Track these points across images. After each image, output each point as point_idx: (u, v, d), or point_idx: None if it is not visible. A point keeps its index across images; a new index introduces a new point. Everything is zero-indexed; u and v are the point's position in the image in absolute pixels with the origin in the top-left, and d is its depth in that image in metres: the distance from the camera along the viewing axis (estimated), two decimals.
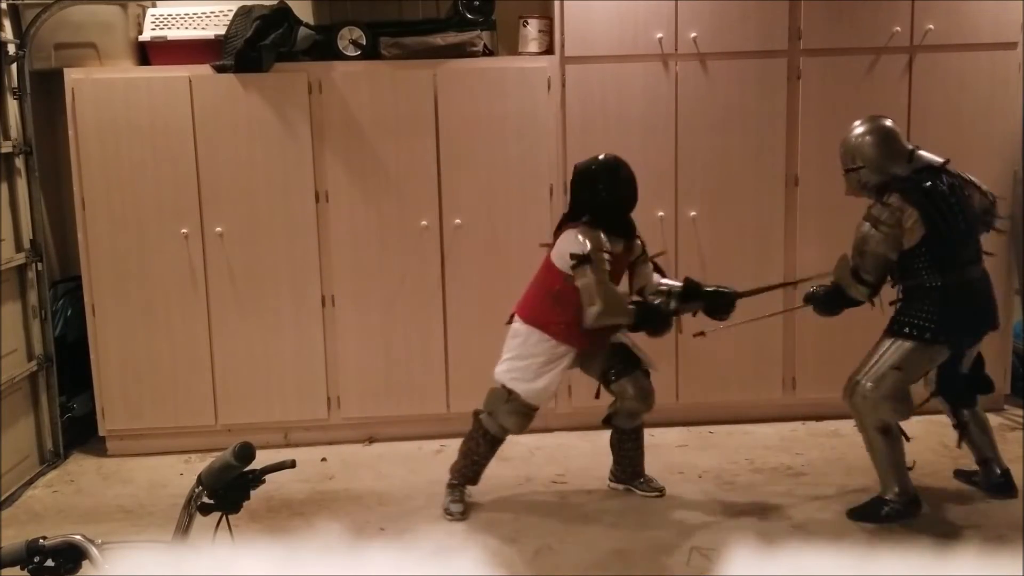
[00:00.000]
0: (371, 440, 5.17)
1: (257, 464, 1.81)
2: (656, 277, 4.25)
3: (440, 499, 4.28)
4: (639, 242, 4.22)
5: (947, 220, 3.96)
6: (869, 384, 4.02)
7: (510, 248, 4.97)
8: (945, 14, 5.03)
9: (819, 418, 5.24)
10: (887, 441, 4.05)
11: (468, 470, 4.26)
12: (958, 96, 5.11)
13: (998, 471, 4.28)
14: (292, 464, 1.98)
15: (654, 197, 5.08)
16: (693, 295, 4.15)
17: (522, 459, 4.85)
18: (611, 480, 4.47)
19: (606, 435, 5.13)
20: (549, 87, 4.99)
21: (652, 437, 5.11)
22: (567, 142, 5.02)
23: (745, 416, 5.24)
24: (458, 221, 5.01)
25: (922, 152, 4.08)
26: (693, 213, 5.10)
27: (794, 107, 5.06)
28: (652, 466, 4.74)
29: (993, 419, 5.20)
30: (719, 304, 4.17)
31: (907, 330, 4.00)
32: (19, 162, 4.87)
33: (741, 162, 5.08)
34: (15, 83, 4.82)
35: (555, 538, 4.00)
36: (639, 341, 4.28)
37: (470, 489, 4.31)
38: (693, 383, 5.21)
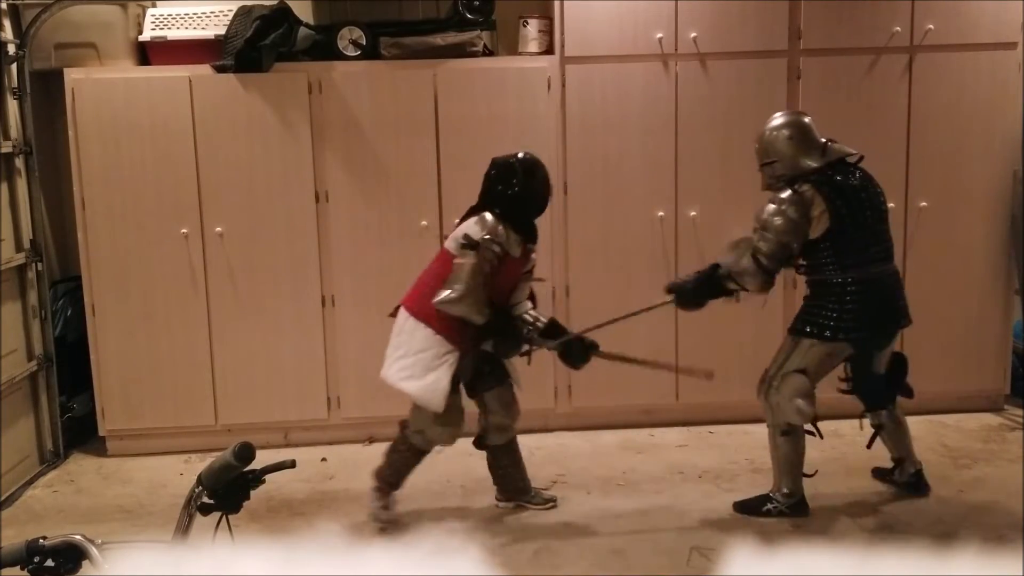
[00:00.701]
0: (371, 440, 5.16)
1: (257, 464, 1.81)
2: (527, 304, 4.14)
3: (441, 499, 4.28)
4: (534, 257, 4.10)
5: (854, 214, 3.96)
6: (775, 384, 4.07)
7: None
8: (945, 14, 5.03)
9: (818, 418, 5.22)
10: (788, 442, 4.11)
11: (392, 477, 4.14)
12: (958, 96, 5.11)
13: (911, 470, 4.33)
14: (292, 464, 1.98)
15: (654, 197, 5.09)
16: (551, 335, 4.08)
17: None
18: (498, 500, 4.30)
19: (606, 435, 5.15)
20: (549, 87, 4.99)
21: (652, 437, 5.13)
22: (567, 142, 5.02)
23: (745, 416, 5.23)
24: (457, 221, 5.00)
25: (836, 145, 4.06)
26: (693, 213, 5.10)
27: (794, 107, 5.04)
28: (652, 466, 4.74)
29: (993, 419, 5.22)
30: (573, 352, 4.07)
31: (808, 328, 4.03)
32: (19, 162, 4.87)
33: (741, 162, 5.07)
34: (15, 83, 4.82)
35: (555, 538, 4.00)
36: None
37: (468, 492, 4.31)
38: (693, 383, 5.19)
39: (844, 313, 3.97)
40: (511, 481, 4.27)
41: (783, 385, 4.05)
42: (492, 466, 4.26)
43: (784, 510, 4.12)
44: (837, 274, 3.98)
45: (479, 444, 4.22)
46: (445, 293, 3.82)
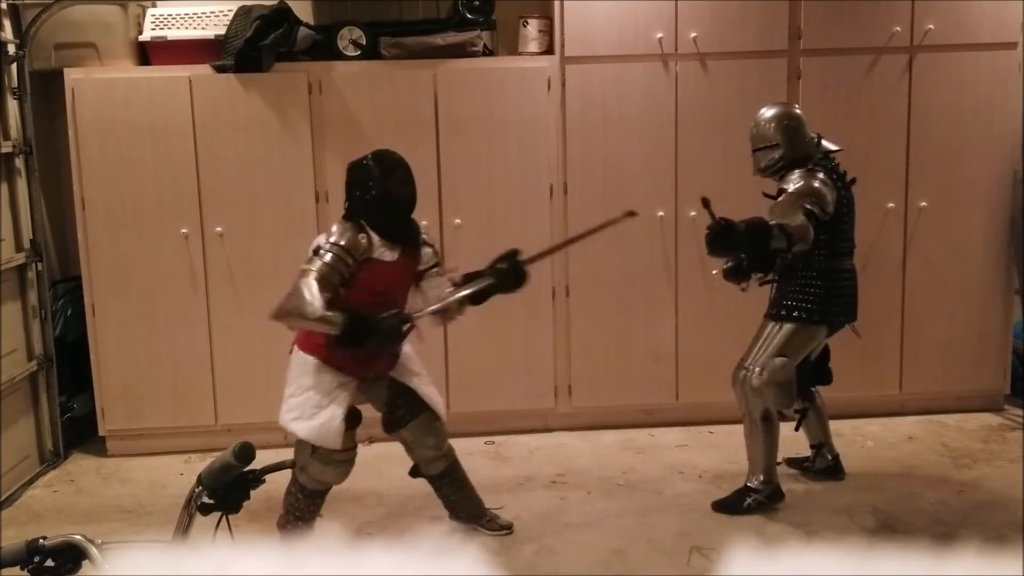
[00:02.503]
0: (371, 440, 5.15)
1: (257, 464, 1.81)
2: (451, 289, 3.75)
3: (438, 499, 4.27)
4: (430, 250, 3.80)
5: (849, 205, 4.14)
6: (756, 370, 4.12)
7: (510, 247, 4.95)
8: (945, 14, 5.03)
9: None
10: (766, 428, 4.17)
11: (296, 528, 3.83)
12: (958, 96, 5.11)
13: (829, 457, 4.47)
14: (292, 464, 1.98)
15: (654, 197, 5.09)
16: (477, 276, 3.68)
17: (522, 459, 4.85)
18: (451, 519, 4.09)
19: (606, 435, 5.15)
20: (549, 87, 4.99)
21: (652, 437, 5.12)
22: (567, 142, 5.02)
23: None
24: (458, 221, 5.01)
25: (824, 139, 4.20)
26: (693, 213, 5.10)
27: None
28: (652, 466, 4.74)
29: (993, 419, 5.22)
30: (506, 276, 3.69)
31: (795, 313, 4.11)
32: (19, 162, 4.88)
33: (740, 162, 5.07)
34: (15, 83, 4.82)
35: (555, 538, 4.00)
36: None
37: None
38: (693, 383, 5.21)
39: (830, 296, 4.11)
40: (460, 508, 4.03)
41: (767, 370, 4.11)
42: (437, 493, 4.01)
43: (763, 500, 4.16)
44: (826, 259, 4.10)
45: (414, 474, 3.96)
46: (279, 305, 3.52)
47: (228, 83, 4.88)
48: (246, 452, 1.75)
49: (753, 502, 4.16)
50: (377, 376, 3.76)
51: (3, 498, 4.53)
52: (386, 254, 3.64)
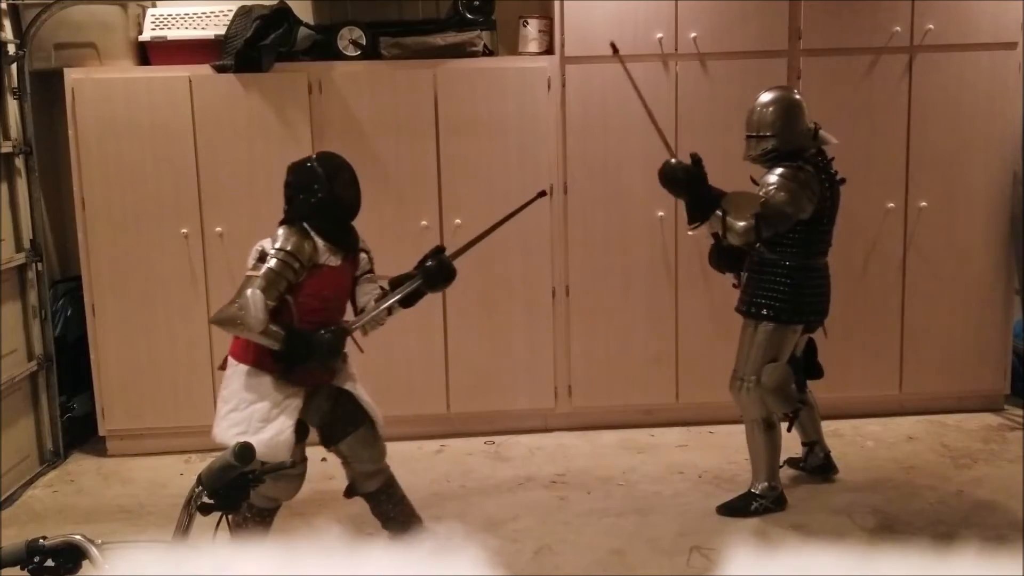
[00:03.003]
0: None
1: (257, 464, 1.81)
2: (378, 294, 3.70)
3: (441, 499, 4.28)
4: (365, 256, 3.72)
5: (832, 205, 4.10)
6: (752, 379, 4.11)
7: (510, 248, 4.96)
8: (945, 14, 5.03)
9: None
10: (768, 433, 4.17)
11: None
12: (958, 96, 5.11)
13: (821, 454, 4.48)
14: (292, 464, 1.98)
15: (654, 197, 5.08)
16: (405, 279, 3.62)
17: (522, 459, 4.85)
18: (389, 533, 3.85)
19: (606, 435, 5.15)
20: (549, 87, 4.99)
21: (652, 437, 5.12)
22: (567, 142, 5.02)
23: None
24: (458, 221, 5.01)
25: (822, 131, 4.14)
26: None
27: None
28: (652, 466, 4.74)
29: (993, 419, 5.22)
30: (434, 275, 3.60)
31: (765, 312, 4.09)
32: (19, 162, 4.87)
33: (741, 162, 5.07)
34: (15, 83, 4.82)
35: (555, 538, 4.00)
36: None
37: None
38: (693, 383, 5.21)
39: (801, 295, 4.08)
40: (399, 525, 3.76)
41: (762, 376, 4.10)
42: (374, 513, 3.77)
43: (769, 506, 4.16)
44: (799, 258, 4.07)
45: (349, 494, 3.75)
46: (223, 309, 3.40)
47: (228, 83, 4.88)
48: (246, 452, 1.75)
49: (759, 507, 4.16)
50: (316, 385, 3.59)
51: (3, 498, 4.52)
52: (331, 259, 3.54)
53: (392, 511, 3.76)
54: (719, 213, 4.01)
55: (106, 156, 4.88)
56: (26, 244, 4.91)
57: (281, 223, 3.57)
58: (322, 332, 3.45)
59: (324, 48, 4.95)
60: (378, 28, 4.99)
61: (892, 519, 4.11)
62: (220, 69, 4.88)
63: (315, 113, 4.93)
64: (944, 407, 5.28)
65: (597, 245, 5.12)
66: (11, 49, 4.77)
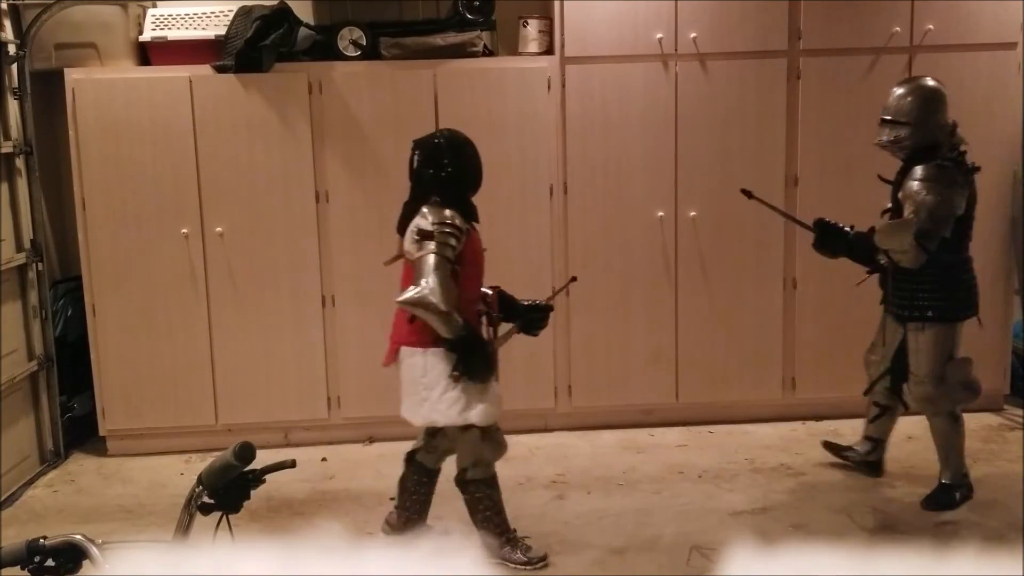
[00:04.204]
0: (371, 440, 5.17)
1: (257, 464, 1.81)
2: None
3: (441, 499, 4.27)
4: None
5: (972, 202, 4.09)
6: (932, 383, 4.10)
7: (510, 248, 4.96)
8: (945, 14, 5.03)
9: (819, 418, 5.24)
10: (955, 425, 4.17)
11: (499, 526, 3.73)
12: (958, 96, 5.07)
13: (880, 455, 4.50)
14: (292, 464, 1.98)
15: (654, 197, 5.09)
16: (510, 311, 3.77)
17: (522, 459, 4.85)
18: (388, 522, 4.05)
19: (606, 435, 5.15)
20: (549, 87, 4.99)
21: (652, 437, 5.13)
22: (567, 142, 5.02)
23: (745, 416, 5.24)
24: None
25: (958, 129, 4.14)
26: (693, 213, 5.10)
27: (794, 107, 5.06)
28: (652, 466, 4.74)
29: (993, 419, 5.22)
30: (535, 319, 3.80)
31: (931, 313, 4.07)
32: (19, 162, 4.88)
33: (741, 162, 5.08)
34: (15, 83, 4.82)
35: (555, 538, 4.00)
36: None
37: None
38: (693, 383, 5.21)
39: (959, 291, 4.10)
40: (415, 505, 3.92)
41: (944, 377, 4.09)
42: (405, 480, 3.91)
43: (966, 493, 4.18)
44: (951, 254, 4.05)
45: (410, 458, 3.90)
46: (412, 291, 3.44)
47: (228, 83, 4.88)
48: (246, 452, 1.75)
49: (962, 496, 4.16)
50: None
51: (3, 498, 4.53)
52: (472, 234, 3.65)
53: (419, 490, 3.91)
54: (880, 258, 4.09)
55: (106, 156, 4.88)
56: (26, 244, 4.91)
57: (408, 204, 3.66)
58: (488, 342, 3.62)
59: (324, 48, 4.95)
60: (378, 28, 4.99)
61: (892, 519, 4.12)
62: (220, 69, 4.88)
63: (315, 113, 4.93)
64: None
65: (597, 245, 5.12)
66: (11, 49, 4.77)
